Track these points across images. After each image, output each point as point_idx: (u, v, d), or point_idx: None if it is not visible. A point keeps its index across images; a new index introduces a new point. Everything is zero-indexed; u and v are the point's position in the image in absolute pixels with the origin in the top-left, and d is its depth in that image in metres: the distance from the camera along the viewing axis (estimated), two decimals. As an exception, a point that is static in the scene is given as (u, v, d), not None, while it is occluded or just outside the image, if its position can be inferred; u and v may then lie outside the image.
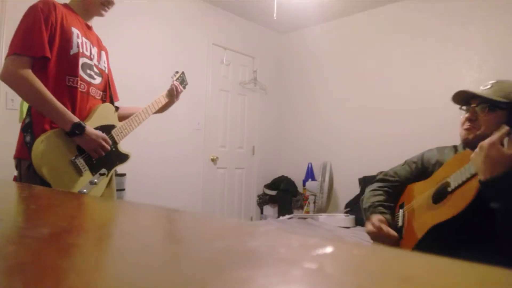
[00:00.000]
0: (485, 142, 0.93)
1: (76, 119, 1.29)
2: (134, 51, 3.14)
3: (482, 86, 1.15)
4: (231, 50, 4.06)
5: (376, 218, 1.21)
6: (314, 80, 4.29)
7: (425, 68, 3.42)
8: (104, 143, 1.36)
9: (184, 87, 1.82)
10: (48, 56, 1.28)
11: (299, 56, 4.47)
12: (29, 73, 1.25)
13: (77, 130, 1.27)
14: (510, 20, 2.99)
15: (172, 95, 1.72)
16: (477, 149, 0.96)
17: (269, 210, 4.15)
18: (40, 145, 1.25)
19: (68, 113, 1.28)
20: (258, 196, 4.27)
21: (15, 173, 2.40)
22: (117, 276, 0.23)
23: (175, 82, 1.75)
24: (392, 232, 1.17)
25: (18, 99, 2.50)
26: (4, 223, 0.39)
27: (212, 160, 3.84)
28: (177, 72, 1.83)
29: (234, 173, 4.09)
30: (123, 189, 2.77)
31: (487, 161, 0.91)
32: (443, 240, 1.03)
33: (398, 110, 3.54)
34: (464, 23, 3.22)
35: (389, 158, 3.36)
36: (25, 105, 2.51)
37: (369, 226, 1.21)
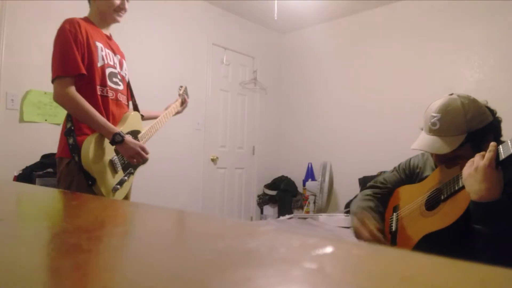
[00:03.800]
0: (481, 164, 0.89)
1: (115, 130, 1.46)
2: (134, 51, 3.13)
3: (430, 123, 1.08)
4: (231, 50, 4.06)
5: (374, 226, 1.17)
6: (314, 80, 4.29)
7: (425, 68, 3.42)
8: (141, 151, 1.53)
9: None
10: (84, 73, 1.46)
11: (299, 56, 4.47)
12: (74, 93, 1.43)
13: (117, 139, 1.45)
14: (510, 20, 2.99)
15: (182, 106, 1.97)
16: (470, 170, 0.92)
17: (269, 210, 4.15)
18: (89, 145, 1.42)
19: (108, 124, 1.46)
20: (258, 196, 4.27)
21: (15, 173, 2.41)
22: (117, 276, 0.23)
23: (184, 94, 1.98)
24: (383, 242, 1.15)
25: (18, 99, 2.51)
26: (4, 223, 0.39)
27: (212, 160, 3.84)
28: (181, 86, 2.03)
29: (234, 173, 4.09)
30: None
31: (485, 184, 0.88)
32: (436, 248, 1.01)
33: (398, 110, 3.54)
34: (464, 23, 3.22)
35: (389, 158, 3.36)
36: (26, 105, 2.52)
37: (365, 233, 1.16)
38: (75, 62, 1.43)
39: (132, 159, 1.52)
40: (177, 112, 1.95)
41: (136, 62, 3.17)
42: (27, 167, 2.43)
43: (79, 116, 1.45)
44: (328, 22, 4.19)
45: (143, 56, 3.25)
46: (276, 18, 3.66)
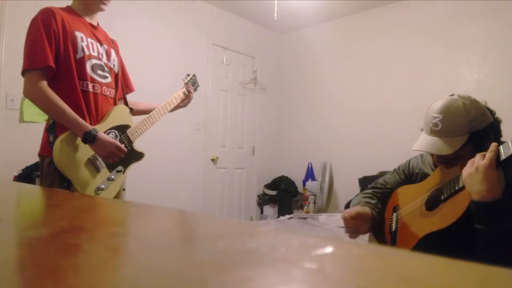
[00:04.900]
0: (481, 164, 0.89)
1: (87, 128, 1.33)
2: (134, 51, 3.14)
3: (431, 124, 1.08)
4: (231, 50, 4.06)
5: (354, 208, 1.20)
6: (314, 80, 4.29)
7: (425, 68, 3.43)
8: (116, 150, 1.39)
9: (195, 89, 1.84)
10: (51, 65, 1.33)
11: (299, 56, 4.47)
12: (43, 87, 1.32)
13: (88, 137, 1.32)
14: (510, 20, 2.99)
15: (186, 98, 1.77)
16: (471, 170, 0.92)
17: (269, 210, 4.15)
18: (60, 143, 1.32)
19: (80, 122, 1.33)
20: (258, 196, 4.27)
21: (15, 173, 2.41)
22: (117, 276, 0.23)
23: (189, 84, 1.79)
24: (363, 228, 1.18)
25: (18, 99, 2.51)
26: (4, 223, 0.39)
27: (212, 160, 3.84)
28: (188, 75, 1.84)
29: (234, 173, 4.09)
30: (123, 189, 2.77)
31: (486, 184, 0.88)
32: (436, 248, 1.01)
33: (399, 110, 3.55)
34: (464, 23, 3.22)
35: (389, 158, 3.37)
36: (26, 105, 2.52)
37: (344, 213, 1.20)
38: (44, 54, 1.30)
39: (108, 159, 1.39)
40: (180, 106, 1.77)
41: (136, 62, 3.17)
42: (27, 167, 2.43)
43: (49, 112, 1.35)
44: (328, 22, 4.19)
45: (143, 56, 3.25)
46: (276, 18, 3.66)
